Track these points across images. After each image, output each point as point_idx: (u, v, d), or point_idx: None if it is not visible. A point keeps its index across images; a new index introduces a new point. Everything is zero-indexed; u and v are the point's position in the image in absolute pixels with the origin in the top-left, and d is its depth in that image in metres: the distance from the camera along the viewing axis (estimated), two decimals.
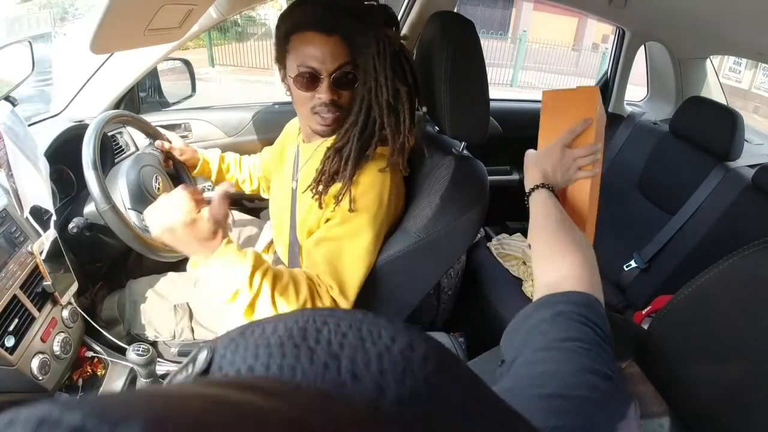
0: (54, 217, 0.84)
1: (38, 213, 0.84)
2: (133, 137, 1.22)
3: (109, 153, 1.11)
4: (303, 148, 0.90)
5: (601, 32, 10.03)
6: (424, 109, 0.92)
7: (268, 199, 1.14)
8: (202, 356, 0.17)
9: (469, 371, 0.19)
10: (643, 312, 1.22)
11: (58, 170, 1.02)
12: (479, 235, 1.65)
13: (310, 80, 0.77)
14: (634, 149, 1.63)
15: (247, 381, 0.15)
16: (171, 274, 1.07)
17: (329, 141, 0.82)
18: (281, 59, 0.81)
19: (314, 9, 0.76)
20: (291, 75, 0.79)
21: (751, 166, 1.33)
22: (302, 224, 0.85)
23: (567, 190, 0.70)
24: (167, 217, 0.65)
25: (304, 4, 0.77)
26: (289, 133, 1.03)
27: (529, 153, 0.71)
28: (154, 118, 1.21)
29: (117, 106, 1.20)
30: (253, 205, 1.48)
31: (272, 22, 8.41)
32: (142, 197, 0.96)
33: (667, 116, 1.69)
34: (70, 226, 0.91)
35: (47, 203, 0.83)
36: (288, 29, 0.78)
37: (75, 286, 0.87)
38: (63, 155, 0.99)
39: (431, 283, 0.94)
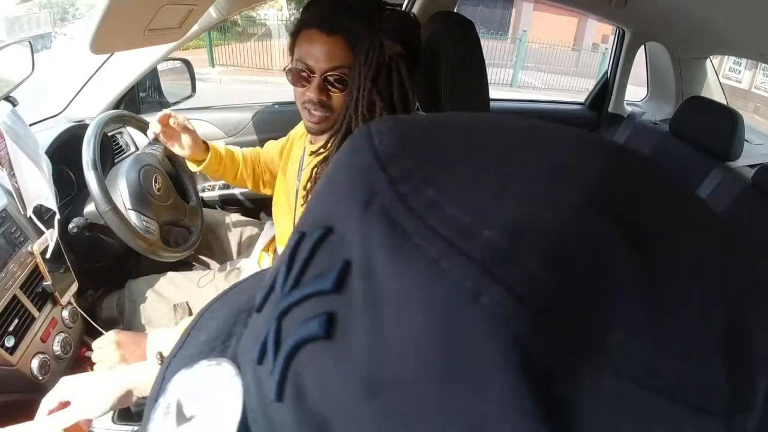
0: (58, 216, 0.84)
1: (39, 212, 0.84)
2: (133, 137, 1.22)
3: (109, 153, 1.11)
4: (309, 149, 0.90)
5: (601, 32, 10.03)
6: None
7: (267, 199, 1.14)
8: None
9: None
10: None
11: (58, 170, 1.02)
12: None
13: (300, 76, 0.77)
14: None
15: None
16: (170, 274, 1.07)
17: (320, 143, 0.82)
18: (291, 51, 0.81)
19: (323, 7, 0.75)
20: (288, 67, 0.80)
21: (751, 166, 1.33)
22: None
23: None
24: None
25: (317, 2, 0.76)
26: (298, 132, 1.03)
27: None
28: (154, 119, 1.21)
29: (117, 106, 1.20)
30: (252, 206, 1.48)
31: (272, 22, 8.41)
32: (142, 197, 0.96)
33: (667, 116, 1.69)
34: (70, 226, 0.91)
35: (51, 202, 0.83)
36: (300, 24, 0.78)
37: (75, 286, 0.87)
38: (63, 155, 0.99)
39: None
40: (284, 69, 0.81)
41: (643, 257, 0.13)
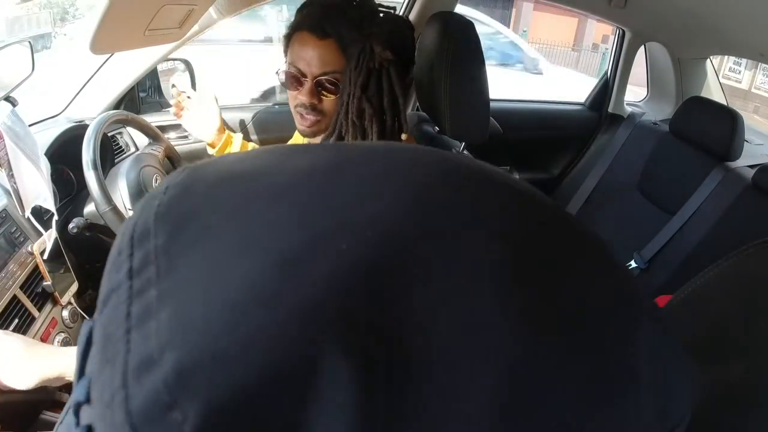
0: (56, 217, 0.84)
1: (38, 213, 0.84)
2: (133, 137, 1.22)
3: (109, 153, 1.11)
4: None
5: (601, 32, 10.02)
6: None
7: None
8: None
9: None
10: None
11: (58, 170, 1.02)
12: None
13: (293, 80, 0.77)
14: (634, 149, 1.63)
15: None
16: None
17: None
18: (285, 54, 0.82)
19: (314, 10, 0.75)
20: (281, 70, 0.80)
21: (751, 167, 1.33)
22: None
23: None
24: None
25: (310, 5, 0.76)
26: (299, 137, 1.03)
27: None
28: (154, 118, 1.21)
29: (117, 106, 1.20)
30: None
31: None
32: (142, 197, 0.96)
33: (667, 116, 1.69)
34: (70, 226, 0.91)
35: (49, 203, 0.83)
36: (292, 26, 0.78)
37: (75, 286, 0.87)
38: (63, 155, 0.99)
39: None
40: (276, 72, 0.81)
41: (376, 394, 0.09)
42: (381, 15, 0.75)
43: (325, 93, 0.77)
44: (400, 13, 1.45)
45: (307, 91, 0.76)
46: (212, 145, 1.07)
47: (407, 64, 0.79)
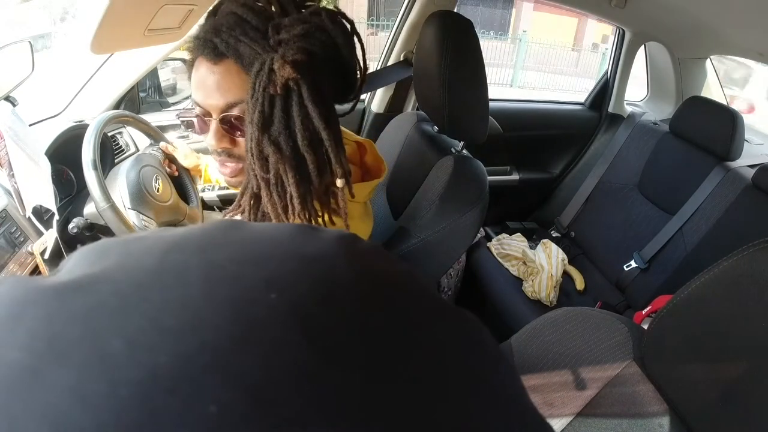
0: (56, 217, 0.84)
1: (39, 213, 0.84)
2: (133, 137, 1.22)
3: (109, 153, 1.11)
4: None
5: (601, 32, 10.02)
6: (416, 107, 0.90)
7: None
8: None
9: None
10: (643, 312, 1.22)
11: (58, 170, 1.02)
12: (479, 235, 1.65)
13: (197, 120, 0.57)
14: (634, 149, 1.63)
15: None
16: None
17: None
18: None
19: (207, 25, 0.53)
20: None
21: (751, 166, 1.33)
22: None
23: None
24: None
25: (205, 21, 0.55)
26: None
27: None
28: (154, 118, 1.21)
29: (117, 106, 1.21)
30: None
31: None
32: (142, 197, 0.96)
33: (667, 116, 1.69)
34: (70, 226, 0.91)
35: (50, 203, 0.83)
36: (191, 53, 0.57)
37: None
38: (63, 155, 0.99)
39: (431, 284, 0.94)
40: (177, 115, 0.64)
41: None
42: (296, 14, 0.51)
43: (232, 133, 0.56)
44: (400, 13, 1.44)
45: (214, 134, 0.56)
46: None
47: (344, 71, 0.54)
